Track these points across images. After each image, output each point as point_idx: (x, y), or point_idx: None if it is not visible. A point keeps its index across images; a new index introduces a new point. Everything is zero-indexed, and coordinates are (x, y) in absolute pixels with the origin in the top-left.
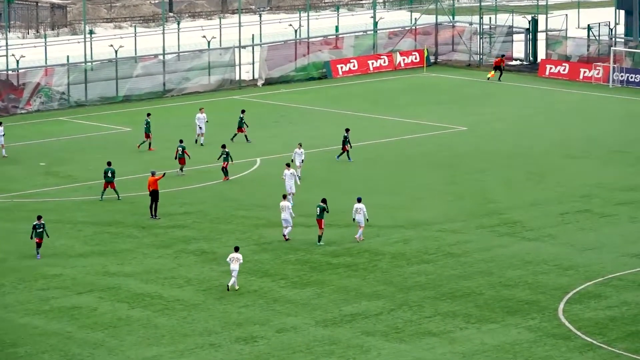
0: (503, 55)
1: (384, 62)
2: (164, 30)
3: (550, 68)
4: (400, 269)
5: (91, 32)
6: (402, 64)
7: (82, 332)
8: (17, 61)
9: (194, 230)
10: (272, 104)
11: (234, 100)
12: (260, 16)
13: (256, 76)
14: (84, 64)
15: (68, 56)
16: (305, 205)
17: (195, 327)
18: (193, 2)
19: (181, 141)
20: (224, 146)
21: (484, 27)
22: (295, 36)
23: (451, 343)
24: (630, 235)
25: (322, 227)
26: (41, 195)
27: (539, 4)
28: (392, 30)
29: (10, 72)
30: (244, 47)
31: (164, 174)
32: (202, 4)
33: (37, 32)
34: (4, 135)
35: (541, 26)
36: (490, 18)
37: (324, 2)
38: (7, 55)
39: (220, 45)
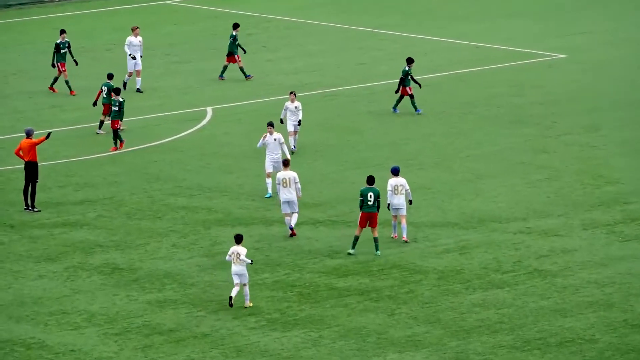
0: None
1: None
2: None
3: None
4: (454, 298)
5: None
6: None
7: None
8: None
9: (99, 232)
10: (235, 15)
11: (175, 7)
12: None
13: None
14: None
15: None
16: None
17: None
18: None
19: (110, 77)
20: (116, 91)
21: None
22: None
23: None
24: None
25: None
26: None
27: None
28: None
29: None
30: None
31: (49, 133)
32: None
33: None
34: None
35: None
36: None
37: None
38: None
39: None
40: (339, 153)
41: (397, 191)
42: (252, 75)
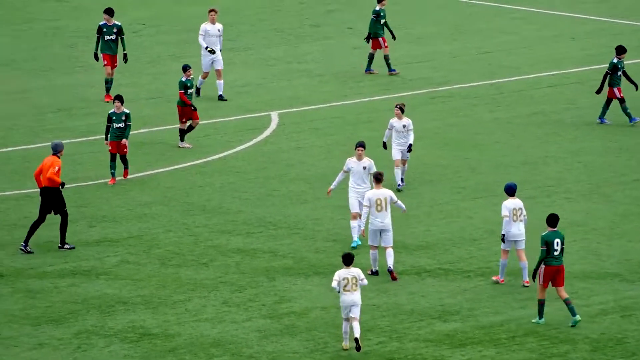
0: None
1: None
2: None
3: None
4: None
5: None
6: None
7: None
8: None
9: (122, 284)
10: None
11: None
12: None
13: None
14: None
15: None
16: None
17: None
18: None
19: (185, 69)
20: (120, 99)
21: None
22: None
23: None
24: None
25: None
26: None
27: None
28: None
29: None
30: None
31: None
32: None
33: None
34: None
35: None
36: None
37: None
38: None
39: None
40: (453, 176)
41: (516, 217)
42: (397, 70)
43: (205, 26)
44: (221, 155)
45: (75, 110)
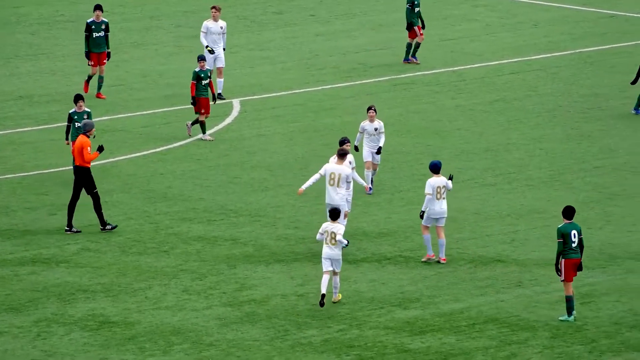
0: None
1: None
2: None
3: None
4: None
5: None
6: None
7: None
8: None
9: (82, 271)
10: None
11: None
12: None
13: None
14: None
15: None
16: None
17: None
18: None
19: (200, 60)
20: (79, 99)
21: None
22: None
23: None
24: None
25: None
26: None
27: None
28: None
29: None
30: None
31: (101, 147)
32: None
33: None
34: None
35: None
36: None
37: None
38: None
39: None
40: (415, 164)
41: (439, 195)
42: (416, 59)
43: (207, 23)
44: (182, 142)
45: (37, 98)
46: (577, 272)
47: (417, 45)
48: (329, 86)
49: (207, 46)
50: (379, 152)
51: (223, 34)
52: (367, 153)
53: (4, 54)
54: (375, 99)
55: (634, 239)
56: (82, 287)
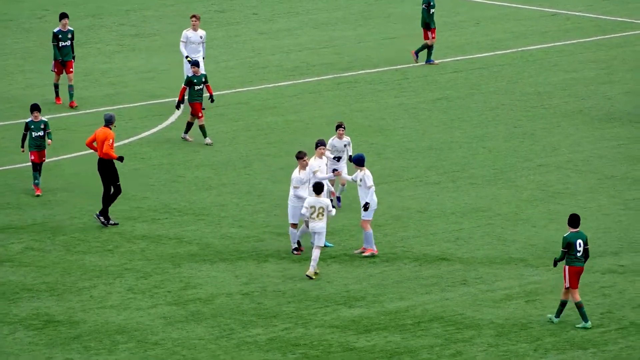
0: None
1: None
2: None
3: None
4: None
5: None
6: None
7: None
8: None
9: (26, 270)
10: None
11: None
12: None
13: None
14: None
15: None
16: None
17: None
18: None
19: (193, 65)
20: (36, 108)
21: None
22: None
23: None
24: None
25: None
26: None
27: None
28: None
29: None
30: None
31: (122, 158)
32: None
33: None
34: None
35: None
36: None
37: None
38: None
39: None
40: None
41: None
42: (435, 60)
43: (187, 33)
44: (126, 141)
45: None
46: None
47: (425, 46)
48: (272, 85)
49: (186, 56)
50: (340, 159)
51: (202, 42)
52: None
53: None
54: (319, 97)
55: None
56: (26, 286)
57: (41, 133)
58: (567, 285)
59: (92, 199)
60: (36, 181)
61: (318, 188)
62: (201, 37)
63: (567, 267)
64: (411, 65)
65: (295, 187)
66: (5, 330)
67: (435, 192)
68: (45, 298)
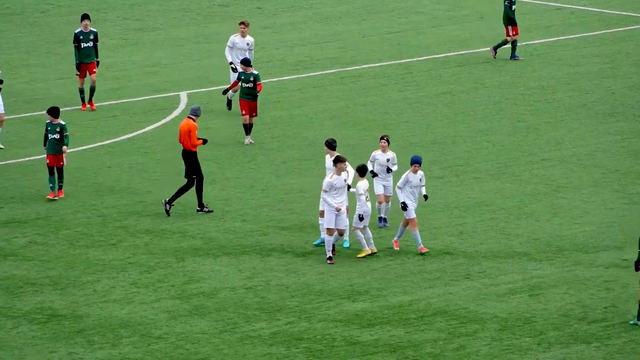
0: None
1: None
2: None
3: None
4: (522, 357)
5: None
6: None
7: None
8: None
9: (30, 265)
10: None
11: None
12: None
13: None
14: None
15: None
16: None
17: None
18: None
19: (245, 63)
20: (54, 113)
21: None
22: None
23: None
24: None
25: None
26: None
27: None
28: None
29: None
30: None
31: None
32: None
33: None
34: None
35: None
36: None
37: None
38: None
39: None
40: (362, 157)
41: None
42: (520, 56)
43: (234, 38)
44: (130, 135)
45: None
46: None
47: (505, 42)
48: (276, 79)
49: (231, 63)
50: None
51: (250, 50)
52: (379, 186)
53: None
54: (322, 92)
55: (581, 231)
56: (30, 281)
57: (57, 136)
58: None
59: (96, 193)
60: (51, 185)
61: (363, 170)
62: (248, 44)
63: None
64: (415, 59)
65: (325, 191)
66: (9, 324)
67: (439, 186)
68: (49, 292)
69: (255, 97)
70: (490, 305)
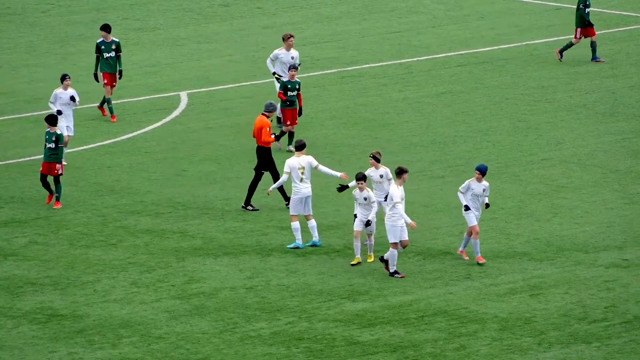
0: None
1: None
2: None
3: None
4: (522, 357)
5: None
6: None
7: None
8: None
9: (30, 265)
10: None
11: None
12: None
13: None
14: None
15: None
16: None
17: None
18: None
19: (290, 69)
20: (51, 121)
21: None
22: None
23: None
24: None
25: None
26: None
27: None
28: None
29: None
30: None
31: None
32: None
33: None
34: None
35: None
36: None
37: None
38: None
39: None
40: (362, 156)
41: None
42: (602, 59)
43: (279, 52)
44: (130, 135)
45: None
46: None
47: (570, 45)
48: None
49: (274, 73)
50: (386, 198)
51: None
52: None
53: None
54: (322, 92)
55: (581, 231)
56: (30, 280)
57: (53, 145)
58: None
59: (96, 193)
60: (51, 190)
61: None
62: (293, 58)
63: None
64: (415, 59)
65: (398, 203)
66: (9, 324)
67: (439, 186)
68: (49, 292)
69: (295, 104)
70: (490, 305)
